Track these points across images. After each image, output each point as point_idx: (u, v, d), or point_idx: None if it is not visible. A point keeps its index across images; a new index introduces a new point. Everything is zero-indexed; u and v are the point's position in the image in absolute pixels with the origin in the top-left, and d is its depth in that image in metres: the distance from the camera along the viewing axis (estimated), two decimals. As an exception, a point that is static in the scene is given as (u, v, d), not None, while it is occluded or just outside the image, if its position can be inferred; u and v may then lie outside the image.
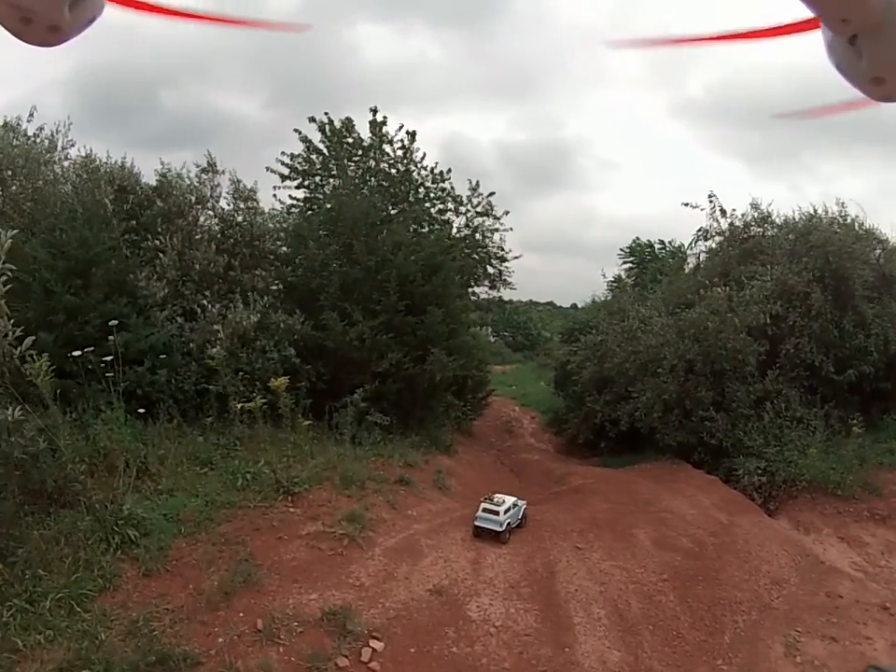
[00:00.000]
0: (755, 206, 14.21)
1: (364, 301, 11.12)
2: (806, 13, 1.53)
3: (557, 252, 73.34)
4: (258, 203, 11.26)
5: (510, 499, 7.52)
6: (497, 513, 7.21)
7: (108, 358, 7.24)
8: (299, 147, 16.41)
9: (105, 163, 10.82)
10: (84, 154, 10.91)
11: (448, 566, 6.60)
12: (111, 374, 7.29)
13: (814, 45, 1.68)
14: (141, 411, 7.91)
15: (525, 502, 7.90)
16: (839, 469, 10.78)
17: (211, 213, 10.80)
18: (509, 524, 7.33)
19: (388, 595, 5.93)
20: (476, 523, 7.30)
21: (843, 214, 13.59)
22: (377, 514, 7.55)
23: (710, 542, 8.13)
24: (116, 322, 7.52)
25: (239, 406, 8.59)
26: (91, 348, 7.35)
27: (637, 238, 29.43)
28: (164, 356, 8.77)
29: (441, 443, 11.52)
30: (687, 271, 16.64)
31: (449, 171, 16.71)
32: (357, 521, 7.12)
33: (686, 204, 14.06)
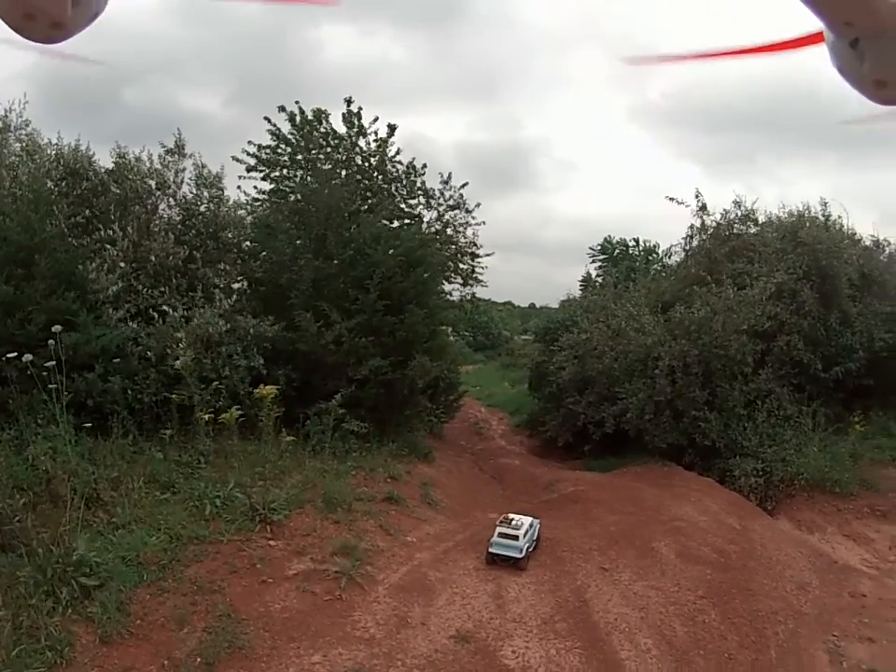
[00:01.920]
0: (738, 204, 14.06)
1: (338, 299, 10.12)
2: (795, 18, 1.54)
3: (515, 252, 73.74)
4: (223, 192, 10.05)
5: (526, 520, 6.65)
6: (516, 538, 6.31)
7: (50, 364, 6.04)
8: (265, 141, 15.36)
9: (56, 144, 9.48)
10: (28, 132, 9.56)
11: (468, 603, 5.68)
12: (54, 385, 6.08)
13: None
14: (87, 425, 6.66)
15: (539, 521, 7.07)
16: (835, 467, 10.67)
17: (172, 200, 9.53)
18: (528, 548, 6.49)
19: (406, 649, 4.93)
20: (491, 550, 6.38)
21: (825, 213, 13.68)
22: (372, 543, 6.59)
23: (732, 551, 7.71)
24: (60, 328, 6.34)
25: (206, 417, 7.53)
26: (40, 348, 6.19)
27: (609, 236, 29.67)
28: (118, 360, 7.54)
29: (420, 451, 10.76)
30: (667, 268, 16.42)
31: (424, 166, 15.94)
32: (350, 554, 6.13)
33: (672, 199, 13.74)
